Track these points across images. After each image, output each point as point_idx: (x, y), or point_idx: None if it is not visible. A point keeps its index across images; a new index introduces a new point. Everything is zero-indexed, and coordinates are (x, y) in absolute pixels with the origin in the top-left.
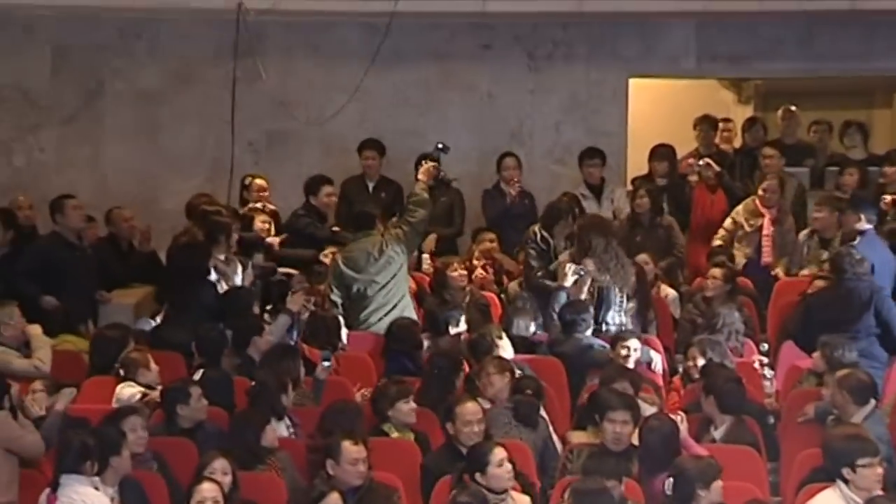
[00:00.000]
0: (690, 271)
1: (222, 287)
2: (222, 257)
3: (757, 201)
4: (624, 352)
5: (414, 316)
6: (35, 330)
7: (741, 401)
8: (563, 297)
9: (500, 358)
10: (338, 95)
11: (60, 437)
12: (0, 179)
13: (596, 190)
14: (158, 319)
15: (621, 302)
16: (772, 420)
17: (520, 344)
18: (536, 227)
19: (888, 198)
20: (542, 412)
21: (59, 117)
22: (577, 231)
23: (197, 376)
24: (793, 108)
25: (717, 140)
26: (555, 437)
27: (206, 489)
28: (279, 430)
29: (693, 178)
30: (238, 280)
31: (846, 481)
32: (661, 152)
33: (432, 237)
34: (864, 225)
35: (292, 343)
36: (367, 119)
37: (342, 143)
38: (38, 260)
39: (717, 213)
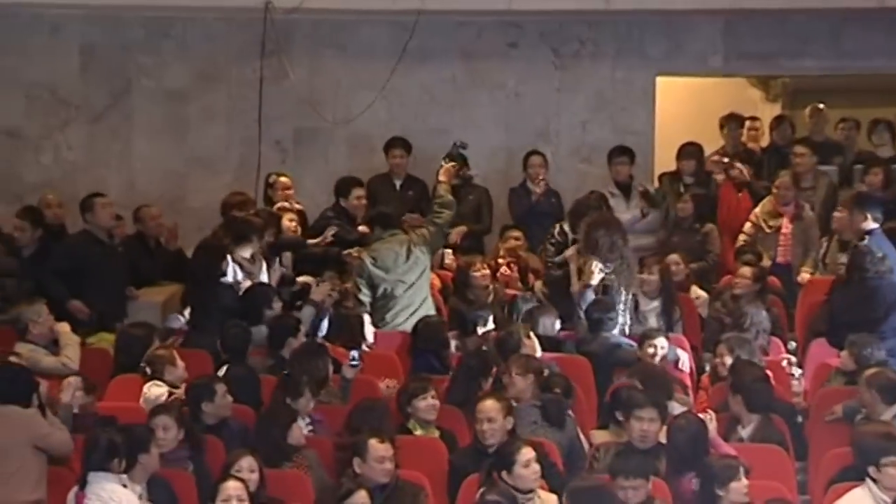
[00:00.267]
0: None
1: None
2: (248, 255)
3: (774, 201)
4: (651, 350)
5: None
6: (63, 327)
7: (769, 399)
8: (590, 296)
9: (527, 357)
10: (365, 94)
11: (88, 435)
12: (29, 178)
13: (624, 188)
14: (187, 314)
15: (625, 301)
16: (800, 419)
17: (545, 343)
18: (560, 224)
19: None
20: (569, 411)
21: (88, 116)
22: (585, 229)
23: (221, 373)
24: (821, 105)
25: (743, 138)
26: (582, 437)
27: (232, 487)
28: None
29: (719, 176)
30: (264, 278)
31: (875, 480)
32: (689, 151)
33: (461, 228)
34: (871, 224)
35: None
36: (393, 117)
37: (369, 142)
38: (68, 258)
39: (744, 211)
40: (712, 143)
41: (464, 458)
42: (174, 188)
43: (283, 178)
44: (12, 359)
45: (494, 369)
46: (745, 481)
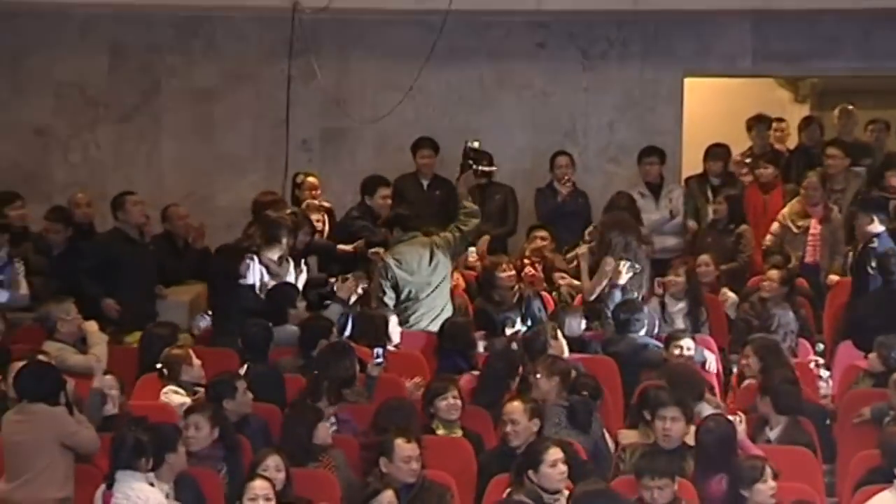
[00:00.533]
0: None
1: None
2: (275, 257)
3: (802, 201)
4: (677, 351)
5: None
6: (91, 326)
7: (797, 401)
8: (617, 296)
9: (554, 358)
10: (392, 94)
11: (115, 434)
12: (57, 177)
13: (654, 189)
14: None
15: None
16: (828, 421)
17: (572, 343)
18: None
19: None
20: (596, 413)
21: (116, 115)
22: (599, 228)
23: (242, 371)
24: (850, 106)
25: (770, 139)
26: (608, 438)
27: (258, 486)
28: None
29: (747, 178)
30: (291, 280)
31: None
32: (716, 152)
33: (485, 238)
34: (878, 227)
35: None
36: (421, 117)
37: (396, 142)
38: (99, 256)
39: (771, 212)
40: (740, 143)
41: (491, 459)
42: (202, 188)
43: (310, 178)
44: (40, 357)
45: (521, 370)
46: (771, 483)
